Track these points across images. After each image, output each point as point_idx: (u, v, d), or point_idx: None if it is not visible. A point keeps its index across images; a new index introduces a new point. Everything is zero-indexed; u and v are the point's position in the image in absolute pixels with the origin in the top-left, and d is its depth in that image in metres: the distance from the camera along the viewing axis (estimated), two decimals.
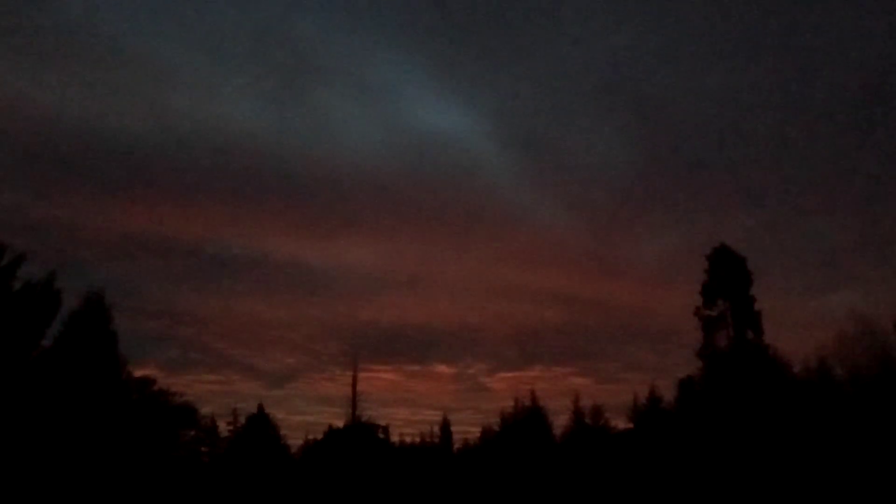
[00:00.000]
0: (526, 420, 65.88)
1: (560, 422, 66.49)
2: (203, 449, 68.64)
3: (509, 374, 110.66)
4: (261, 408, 74.29)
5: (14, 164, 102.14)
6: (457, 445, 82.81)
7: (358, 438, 63.17)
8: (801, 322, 77.17)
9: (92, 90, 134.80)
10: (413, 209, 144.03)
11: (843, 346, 41.84)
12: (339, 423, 69.84)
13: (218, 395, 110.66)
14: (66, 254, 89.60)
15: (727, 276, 46.76)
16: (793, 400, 41.58)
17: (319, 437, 79.13)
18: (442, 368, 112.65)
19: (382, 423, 76.74)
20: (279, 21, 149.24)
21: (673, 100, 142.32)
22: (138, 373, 50.86)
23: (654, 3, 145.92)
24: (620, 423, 63.97)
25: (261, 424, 72.75)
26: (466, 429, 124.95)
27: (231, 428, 72.11)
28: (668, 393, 55.73)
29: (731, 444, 41.32)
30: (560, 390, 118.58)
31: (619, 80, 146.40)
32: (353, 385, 60.31)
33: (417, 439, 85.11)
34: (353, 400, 60.28)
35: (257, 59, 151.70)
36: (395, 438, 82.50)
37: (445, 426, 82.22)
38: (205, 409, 65.53)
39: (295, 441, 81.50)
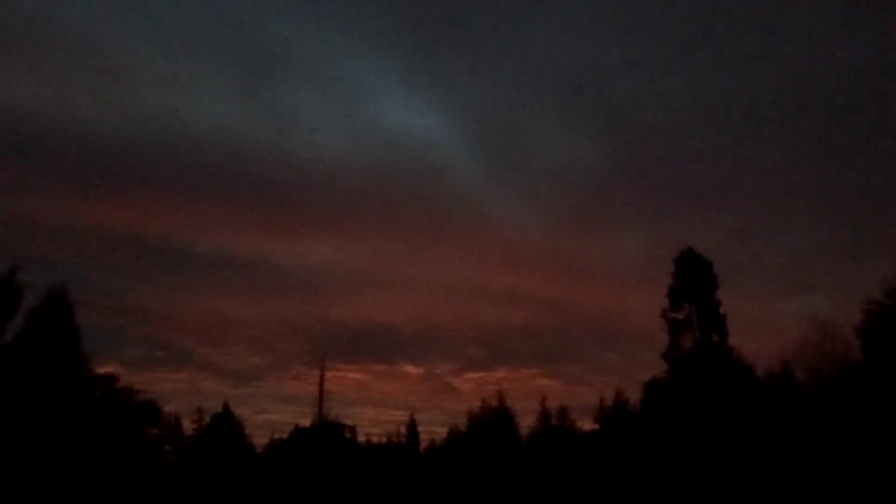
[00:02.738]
0: (493, 421, 66.02)
1: (526, 423, 66.92)
2: (167, 448, 67.85)
3: (476, 375, 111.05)
4: (226, 406, 73.75)
5: None
6: (423, 445, 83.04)
7: (324, 438, 62.82)
8: (765, 326, 78.35)
9: (58, 84, 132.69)
10: (381, 209, 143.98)
11: (805, 350, 42.49)
12: (306, 423, 69.45)
13: (182, 393, 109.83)
14: (29, 249, 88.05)
15: (693, 280, 47.20)
16: (756, 402, 42.10)
17: (285, 436, 78.92)
18: (409, 368, 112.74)
19: (349, 422, 76.66)
20: (250, 19, 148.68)
21: (640, 104, 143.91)
22: (101, 370, 50.06)
23: (622, 9, 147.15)
24: (586, 425, 64.60)
25: (226, 423, 72.10)
26: (433, 429, 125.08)
27: (195, 426, 71.44)
28: (634, 395, 56.29)
29: (696, 445, 41.76)
30: (526, 391, 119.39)
31: (588, 83, 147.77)
32: (321, 384, 59.95)
33: (384, 439, 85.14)
34: (320, 399, 59.91)
35: (227, 56, 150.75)
36: (361, 438, 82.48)
37: (412, 426, 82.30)
38: (169, 408, 64.99)
39: (261, 440, 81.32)
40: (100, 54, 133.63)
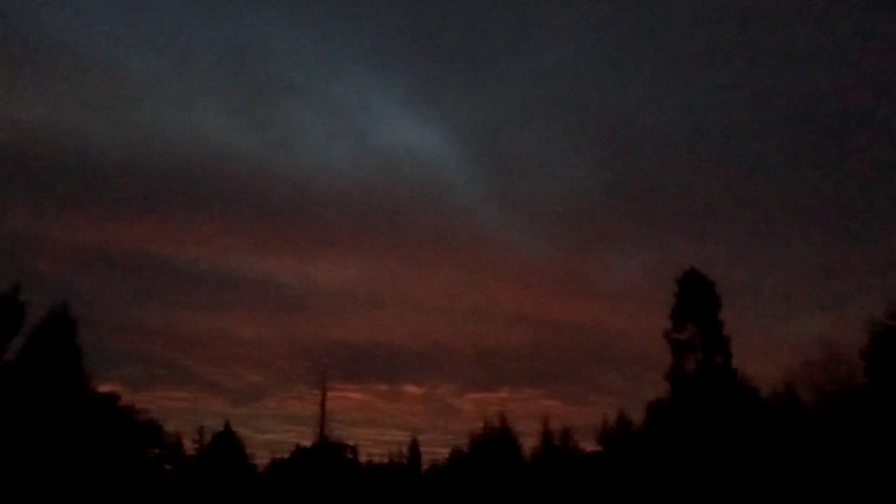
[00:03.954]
0: (495, 441, 65.66)
1: (529, 444, 66.46)
2: (167, 467, 67.64)
3: (478, 395, 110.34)
4: (227, 426, 73.52)
5: None
6: (425, 466, 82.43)
7: (326, 458, 62.63)
8: (768, 347, 77.99)
9: (62, 103, 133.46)
10: (383, 228, 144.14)
11: (810, 372, 42.30)
12: (307, 443, 69.32)
13: (183, 412, 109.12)
14: (32, 267, 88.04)
15: (696, 301, 47.09)
16: (760, 425, 41.88)
17: (287, 456, 78.49)
18: (411, 388, 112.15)
19: (350, 442, 76.46)
20: (252, 38, 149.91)
21: (642, 124, 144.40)
22: (103, 388, 50.09)
23: (624, 28, 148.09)
24: (589, 446, 64.12)
25: (227, 443, 71.84)
26: (435, 450, 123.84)
27: (196, 446, 71.20)
28: (637, 416, 55.98)
29: (700, 468, 41.49)
30: (529, 412, 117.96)
31: (590, 102, 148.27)
32: (322, 404, 59.92)
33: (386, 460, 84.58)
34: (322, 419, 59.84)
35: (229, 75, 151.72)
36: (363, 459, 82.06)
37: (414, 447, 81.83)
38: (170, 427, 64.75)
39: (262, 460, 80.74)
40: (107, 75, 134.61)
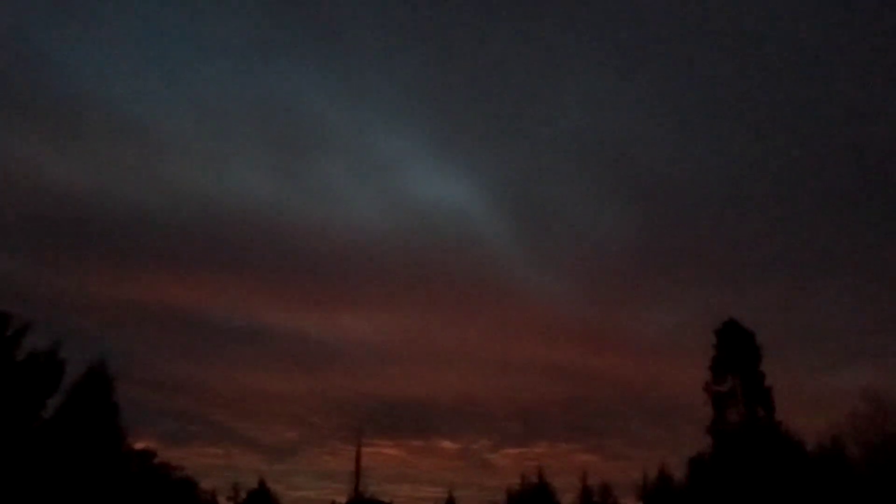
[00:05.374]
0: (532, 497, 64.66)
1: (567, 500, 65.41)
2: None
3: (514, 451, 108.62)
4: (262, 483, 73.27)
5: (19, 233, 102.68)
6: None
7: None
8: (812, 399, 76.00)
9: (97, 161, 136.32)
10: (415, 282, 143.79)
11: (857, 424, 41.21)
12: (342, 499, 68.78)
13: (218, 468, 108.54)
14: (71, 323, 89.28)
15: (736, 352, 46.36)
16: (806, 479, 40.75)
17: None
18: (446, 444, 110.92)
19: (385, 499, 75.63)
20: (284, 94, 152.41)
21: (677, 171, 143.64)
22: (138, 445, 50.27)
23: (656, 75, 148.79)
24: (629, 502, 62.83)
25: (262, 500, 71.49)
26: None
27: (232, 503, 70.88)
28: (679, 470, 54.80)
29: None
30: (566, 467, 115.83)
31: (622, 151, 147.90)
32: (357, 460, 59.68)
33: None
34: (357, 475, 59.41)
35: (261, 132, 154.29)
36: None
37: (450, 503, 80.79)
38: (205, 483, 64.59)
39: None
40: (139, 133, 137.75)
